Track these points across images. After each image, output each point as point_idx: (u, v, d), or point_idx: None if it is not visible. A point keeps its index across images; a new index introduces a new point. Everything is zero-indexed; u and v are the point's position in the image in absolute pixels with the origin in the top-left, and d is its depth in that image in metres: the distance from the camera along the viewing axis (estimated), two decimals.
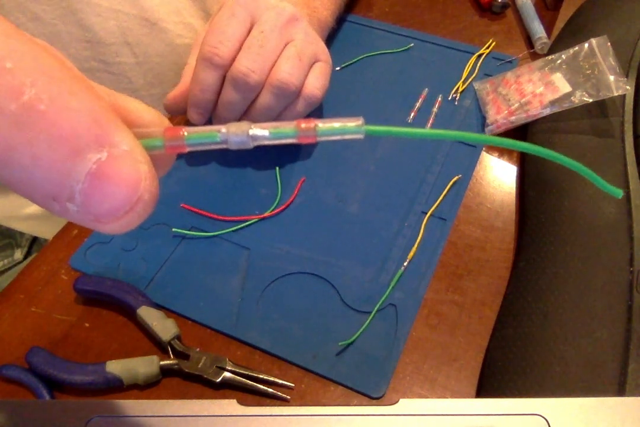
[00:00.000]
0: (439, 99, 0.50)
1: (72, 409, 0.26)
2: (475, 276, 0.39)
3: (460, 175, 0.44)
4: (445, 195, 0.43)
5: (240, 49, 0.39)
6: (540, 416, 0.25)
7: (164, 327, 0.35)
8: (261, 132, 0.16)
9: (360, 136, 0.16)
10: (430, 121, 0.48)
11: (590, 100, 0.41)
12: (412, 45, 0.55)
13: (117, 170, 0.14)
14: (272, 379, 0.34)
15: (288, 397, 0.34)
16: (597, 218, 0.36)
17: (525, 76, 0.46)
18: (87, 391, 0.34)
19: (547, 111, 0.43)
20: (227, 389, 0.35)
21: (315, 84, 0.41)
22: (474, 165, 0.46)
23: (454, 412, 0.26)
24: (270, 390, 0.34)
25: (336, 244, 0.41)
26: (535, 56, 0.53)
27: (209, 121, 0.43)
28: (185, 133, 0.16)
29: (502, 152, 0.47)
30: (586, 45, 0.43)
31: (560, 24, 0.52)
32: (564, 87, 0.43)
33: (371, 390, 0.34)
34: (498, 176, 0.46)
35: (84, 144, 0.14)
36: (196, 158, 0.46)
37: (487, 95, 0.48)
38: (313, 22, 0.46)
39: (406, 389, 0.35)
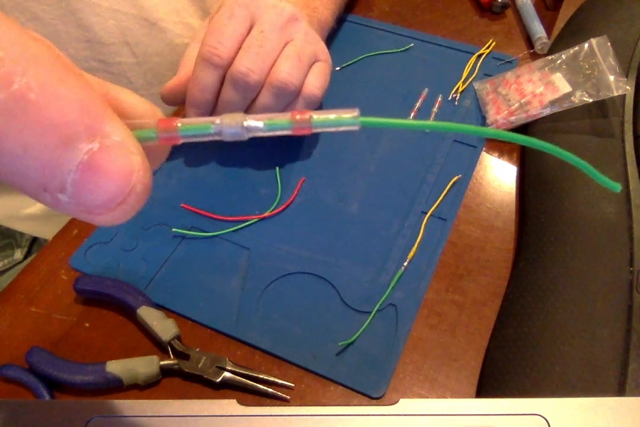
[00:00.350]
0: (439, 99, 0.50)
1: (72, 409, 0.26)
2: (475, 276, 0.39)
3: (460, 175, 0.44)
4: (445, 195, 0.43)
5: (239, 49, 0.39)
6: (540, 416, 0.25)
7: (164, 327, 0.35)
8: (255, 123, 0.16)
9: (355, 128, 0.16)
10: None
11: (590, 100, 0.41)
12: (412, 45, 0.55)
13: (109, 161, 0.14)
14: (272, 379, 0.34)
15: (288, 397, 0.34)
16: (597, 218, 0.36)
17: (525, 76, 0.46)
18: (87, 391, 0.34)
19: (547, 111, 0.43)
20: (227, 389, 0.35)
21: (315, 83, 0.41)
22: (474, 165, 0.46)
23: (454, 412, 0.26)
24: (270, 390, 0.34)
25: (336, 244, 0.41)
26: (535, 56, 0.53)
27: None
28: (179, 124, 0.16)
29: (502, 152, 0.47)
30: (586, 45, 0.43)
31: (560, 24, 0.52)
32: (564, 87, 0.43)
33: (371, 390, 0.34)
34: (498, 176, 0.45)
35: (74, 134, 0.14)
36: (196, 158, 0.46)
37: (487, 95, 0.48)
38: (313, 22, 0.46)
39: (406, 389, 0.35)
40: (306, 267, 0.39)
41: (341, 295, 0.38)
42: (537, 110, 0.44)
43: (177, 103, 0.44)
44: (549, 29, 0.55)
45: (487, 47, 0.54)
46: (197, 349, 0.35)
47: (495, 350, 0.35)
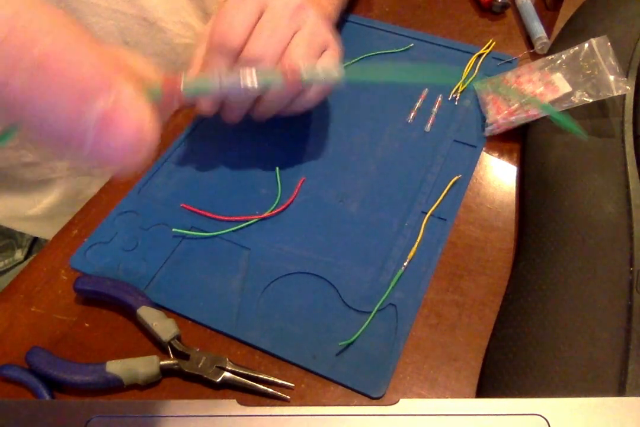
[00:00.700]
0: (439, 99, 0.50)
1: (72, 409, 0.26)
2: (475, 276, 0.39)
3: (460, 175, 0.44)
4: (445, 195, 0.43)
5: (250, 36, 0.39)
6: (540, 416, 0.25)
7: (164, 327, 0.35)
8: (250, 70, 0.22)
9: (338, 76, 0.21)
10: (430, 121, 0.48)
11: (590, 100, 0.41)
12: (412, 45, 0.55)
13: (123, 113, 0.17)
14: (272, 379, 0.34)
15: (288, 397, 0.34)
16: (597, 218, 0.36)
17: (525, 76, 0.46)
18: (87, 391, 0.34)
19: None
20: (227, 389, 0.35)
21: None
22: (474, 165, 0.46)
23: (454, 412, 0.26)
24: (270, 390, 0.34)
25: (336, 244, 0.41)
26: (535, 56, 0.53)
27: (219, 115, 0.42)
28: (183, 79, 0.20)
29: (502, 152, 0.47)
30: (586, 45, 0.43)
31: (560, 24, 0.52)
32: (564, 87, 0.43)
33: (371, 390, 0.34)
34: (498, 176, 0.45)
35: (91, 89, 0.16)
36: (196, 158, 0.46)
37: (487, 95, 0.48)
38: (318, 15, 0.46)
39: (406, 389, 0.35)
40: (306, 267, 0.39)
41: (341, 295, 0.38)
42: (537, 110, 0.44)
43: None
44: (549, 29, 0.55)
45: (487, 47, 0.54)
46: (197, 349, 0.35)
47: (495, 350, 0.35)
